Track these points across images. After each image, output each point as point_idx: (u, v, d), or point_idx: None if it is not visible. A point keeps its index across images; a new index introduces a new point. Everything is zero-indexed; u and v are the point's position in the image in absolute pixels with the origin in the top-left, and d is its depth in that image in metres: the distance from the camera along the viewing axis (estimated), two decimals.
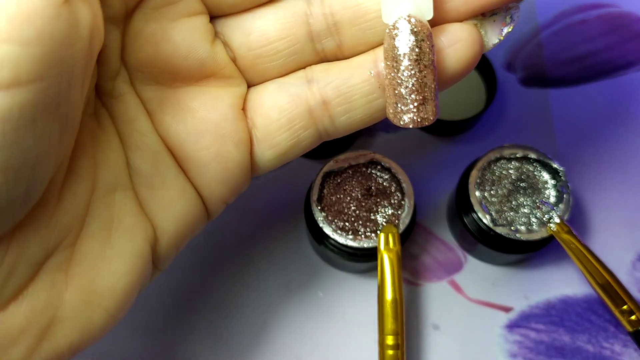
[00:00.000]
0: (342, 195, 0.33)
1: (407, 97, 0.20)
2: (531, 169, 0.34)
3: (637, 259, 0.37)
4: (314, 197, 0.32)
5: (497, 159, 0.34)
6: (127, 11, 0.20)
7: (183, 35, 0.21)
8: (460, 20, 0.21)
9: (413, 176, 0.33)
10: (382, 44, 0.21)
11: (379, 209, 0.32)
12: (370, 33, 0.21)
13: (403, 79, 0.20)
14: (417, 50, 0.19)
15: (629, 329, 0.32)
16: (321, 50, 0.22)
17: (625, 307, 0.31)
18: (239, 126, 0.22)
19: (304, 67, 0.23)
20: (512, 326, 0.35)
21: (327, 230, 0.32)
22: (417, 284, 0.36)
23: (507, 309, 0.36)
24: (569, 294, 0.36)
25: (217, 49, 0.22)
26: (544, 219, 0.33)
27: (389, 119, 0.20)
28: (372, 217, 0.32)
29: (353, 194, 0.33)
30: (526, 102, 0.41)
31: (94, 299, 0.20)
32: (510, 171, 0.34)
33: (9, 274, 0.18)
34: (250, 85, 0.23)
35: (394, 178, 0.33)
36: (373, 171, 0.33)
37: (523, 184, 0.34)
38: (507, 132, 0.40)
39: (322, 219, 0.32)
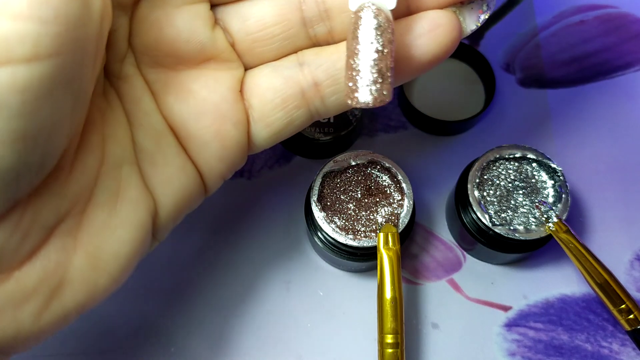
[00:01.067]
0: (342, 195, 0.33)
1: (364, 77, 0.20)
2: (530, 168, 0.34)
3: (635, 259, 0.37)
4: (314, 197, 0.32)
5: (496, 159, 0.34)
6: None
7: (185, 21, 0.22)
8: (440, 8, 0.23)
9: (412, 176, 0.33)
10: None
11: (379, 209, 0.33)
12: None
13: (360, 59, 0.20)
14: (377, 35, 0.20)
15: (627, 327, 0.32)
16: (313, 35, 0.24)
17: (623, 306, 0.32)
18: (237, 107, 0.24)
19: (296, 52, 0.24)
20: (510, 325, 0.35)
21: (327, 229, 0.32)
22: (416, 283, 0.36)
23: (505, 308, 0.36)
24: (568, 293, 0.36)
25: (217, 35, 0.23)
26: (543, 218, 0.33)
27: (345, 96, 0.21)
28: (372, 217, 0.32)
29: (353, 194, 0.33)
30: (525, 102, 0.42)
31: (99, 263, 0.22)
32: (509, 171, 0.34)
33: (24, 236, 0.19)
34: (247, 68, 0.25)
35: (393, 178, 0.33)
36: (373, 171, 0.33)
37: (522, 183, 0.34)
38: (505, 133, 0.40)
39: (322, 218, 0.32)
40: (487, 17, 0.23)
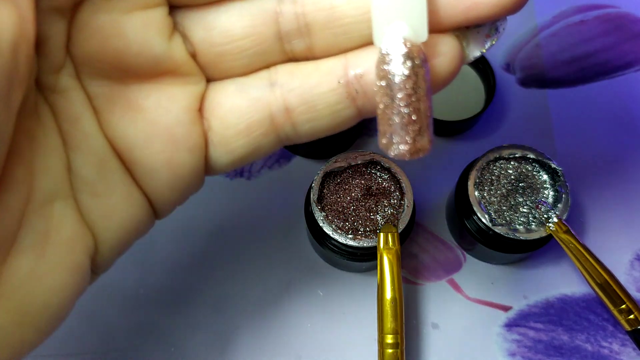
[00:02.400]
0: (342, 195, 0.33)
1: (403, 127, 0.18)
2: (530, 168, 0.34)
3: (635, 259, 0.37)
4: (314, 197, 0.32)
5: (496, 159, 0.34)
6: (76, 1, 0.19)
7: (136, 30, 0.19)
8: (442, 32, 0.19)
9: (412, 176, 0.33)
10: (355, 49, 0.20)
11: (379, 209, 0.32)
12: (344, 39, 0.20)
13: (398, 109, 0.18)
14: (413, 78, 0.18)
15: (627, 327, 0.32)
16: (290, 51, 0.21)
17: (623, 306, 0.32)
18: (193, 130, 0.21)
19: (269, 67, 0.21)
20: (511, 325, 0.35)
21: (327, 230, 0.32)
22: (416, 283, 0.36)
23: (506, 308, 0.36)
24: (568, 293, 0.36)
25: (175, 45, 0.20)
26: (543, 218, 0.33)
27: (382, 149, 0.19)
28: (372, 217, 0.32)
29: (353, 194, 0.33)
30: (525, 102, 0.41)
31: (25, 319, 0.19)
32: (509, 171, 0.34)
33: None
34: (210, 80, 0.21)
35: (393, 178, 0.33)
36: (373, 171, 0.33)
37: (522, 183, 0.34)
38: (505, 133, 0.40)
39: (322, 218, 0.32)
40: (494, 42, 0.20)
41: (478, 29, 0.20)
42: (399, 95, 0.18)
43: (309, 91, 0.20)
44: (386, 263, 0.30)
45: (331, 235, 0.32)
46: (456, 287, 0.36)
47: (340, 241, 0.31)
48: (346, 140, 0.38)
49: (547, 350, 0.34)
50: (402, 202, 0.32)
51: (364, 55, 0.20)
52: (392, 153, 0.18)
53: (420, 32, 0.18)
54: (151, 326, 0.35)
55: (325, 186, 0.33)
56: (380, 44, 0.18)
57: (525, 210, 0.33)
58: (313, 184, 0.33)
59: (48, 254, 0.19)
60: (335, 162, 0.33)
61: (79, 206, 0.20)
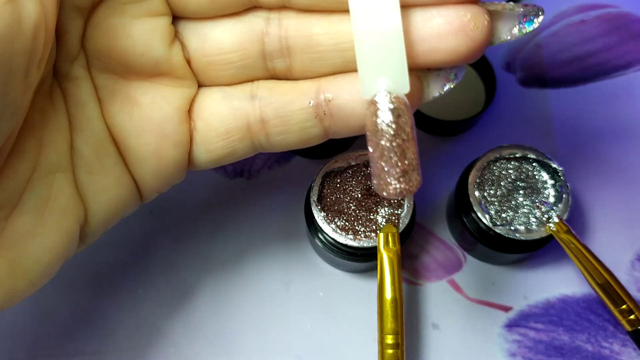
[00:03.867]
0: (342, 195, 0.33)
1: (391, 170, 0.20)
2: (530, 168, 0.34)
3: (636, 259, 0.37)
4: (314, 197, 0.32)
5: (497, 159, 0.34)
6: (94, 2, 0.21)
7: (142, 33, 0.22)
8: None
9: None
10: (328, 75, 0.22)
11: (379, 209, 0.32)
12: (318, 64, 0.22)
13: (385, 153, 0.20)
14: (396, 125, 0.20)
15: (628, 328, 0.32)
16: (272, 69, 0.23)
17: (624, 306, 0.31)
18: (181, 128, 0.23)
19: (253, 80, 0.24)
20: (511, 325, 0.35)
21: (327, 230, 0.32)
22: (416, 283, 0.36)
23: (506, 309, 0.36)
24: (568, 293, 0.36)
25: (174, 51, 0.23)
26: (543, 218, 0.33)
27: (374, 189, 0.21)
28: (372, 217, 0.32)
29: (353, 194, 0.33)
30: (525, 102, 0.41)
31: (19, 269, 0.21)
32: (510, 171, 0.34)
33: None
34: (201, 85, 0.24)
35: None
36: None
37: (522, 183, 0.34)
38: (506, 132, 0.40)
39: (322, 219, 0.32)
40: (452, 86, 0.22)
41: (438, 72, 0.22)
42: (384, 141, 0.20)
43: (284, 107, 0.23)
44: (386, 263, 0.30)
45: (331, 235, 0.32)
46: (456, 287, 0.36)
47: (340, 241, 0.31)
48: (346, 140, 0.38)
49: (547, 351, 0.34)
50: (402, 202, 0.32)
51: (336, 82, 0.22)
52: (384, 193, 0.20)
53: (402, 84, 0.20)
54: (151, 326, 0.35)
55: (325, 186, 0.33)
56: (368, 97, 0.20)
57: (525, 210, 0.33)
58: (313, 184, 0.33)
59: (45, 217, 0.21)
60: (335, 162, 0.33)
61: (76, 181, 0.23)
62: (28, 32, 0.17)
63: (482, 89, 0.41)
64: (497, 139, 0.40)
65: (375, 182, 0.21)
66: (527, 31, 0.21)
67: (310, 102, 0.22)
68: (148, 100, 0.23)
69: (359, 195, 0.33)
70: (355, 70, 0.21)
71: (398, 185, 0.20)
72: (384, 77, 0.20)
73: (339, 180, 0.33)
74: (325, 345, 0.35)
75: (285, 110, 0.23)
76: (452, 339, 0.35)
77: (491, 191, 0.34)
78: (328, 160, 0.33)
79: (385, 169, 0.20)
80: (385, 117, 0.20)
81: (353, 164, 0.33)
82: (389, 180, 0.20)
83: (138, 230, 0.37)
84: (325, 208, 0.32)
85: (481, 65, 0.41)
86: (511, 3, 0.21)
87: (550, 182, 0.34)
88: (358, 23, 0.20)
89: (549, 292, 0.36)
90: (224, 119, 0.23)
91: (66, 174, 0.22)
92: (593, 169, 0.39)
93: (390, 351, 0.29)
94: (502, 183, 0.34)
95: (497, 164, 0.34)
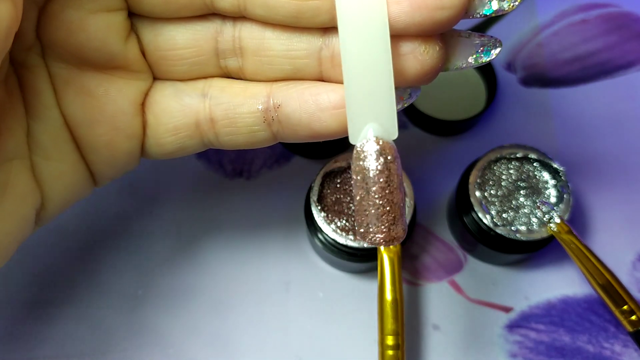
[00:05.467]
0: (342, 195, 0.33)
1: (378, 218, 0.20)
2: (531, 169, 0.34)
3: (638, 259, 0.37)
4: (314, 197, 0.32)
5: (497, 159, 0.34)
6: None
7: (98, 29, 0.22)
8: None
9: (413, 176, 0.33)
10: (277, 80, 0.23)
11: None
12: (268, 68, 0.22)
13: (373, 200, 0.20)
14: (386, 172, 0.20)
15: (629, 329, 0.32)
16: (224, 67, 0.23)
17: (625, 307, 0.31)
18: (134, 121, 0.24)
19: (207, 77, 0.24)
20: (512, 326, 0.35)
21: (327, 230, 0.32)
22: (417, 284, 0.36)
23: (507, 309, 0.36)
24: (569, 294, 0.36)
25: (130, 45, 0.23)
26: (544, 219, 0.33)
27: (359, 238, 0.20)
28: None
29: (353, 194, 0.33)
30: (526, 102, 0.41)
31: None
32: (511, 171, 0.34)
33: None
34: (156, 78, 0.24)
35: None
36: None
37: (523, 184, 0.34)
38: (507, 132, 0.40)
39: (322, 218, 0.32)
40: (406, 105, 0.22)
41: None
42: (374, 189, 0.19)
43: (232, 109, 0.23)
44: (387, 264, 0.30)
45: (331, 235, 0.32)
46: (457, 288, 0.36)
47: (340, 242, 0.31)
48: (346, 140, 0.38)
49: (548, 352, 0.34)
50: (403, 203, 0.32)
51: (286, 89, 0.22)
52: (369, 242, 0.20)
53: (390, 131, 0.20)
54: (150, 326, 0.35)
55: (325, 186, 0.33)
56: (355, 142, 0.20)
57: (526, 210, 0.33)
58: (313, 184, 0.32)
59: (4, 203, 0.22)
60: (335, 162, 0.33)
61: (33, 167, 0.23)
62: (2, 35, 0.18)
63: (483, 89, 0.41)
64: (498, 138, 0.40)
65: (361, 230, 0.20)
66: (484, 61, 0.21)
67: (259, 107, 0.23)
68: (102, 92, 0.23)
69: None
70: (304, 79, 0.22)
71: (384, 234, 0.20)
72: (372, 122, 0.20)
73: (339, 181, 0.33)
74: (325, 345, 0.34)
75: (234, 113, 0.23)
76: (452, 340, 0.35)
77: (492, 191, 0.34)
78: (328, 160, 0.33)
79: (373, 216, 0.20)
80: (373, 163, 0.20)
81: None
82: (375, 228, 0.20)
83: (137, 231, 0.37)
84: (325, 208, 0.32)
85: (482, 65, 0.40)
86: (469, 32, 0.21)
87: (552, 182, 0.34)
88: (349, 67, 0.20)
89: (550, 292, 0.36)
90: (174, 115, 0.24)
91: (23, 160, 0.22)
92: (594, 169, 0.39)
93: (390, 352, 0.29)
94: (503, 183, 0.34)
95: (498, 164, 0.34)
